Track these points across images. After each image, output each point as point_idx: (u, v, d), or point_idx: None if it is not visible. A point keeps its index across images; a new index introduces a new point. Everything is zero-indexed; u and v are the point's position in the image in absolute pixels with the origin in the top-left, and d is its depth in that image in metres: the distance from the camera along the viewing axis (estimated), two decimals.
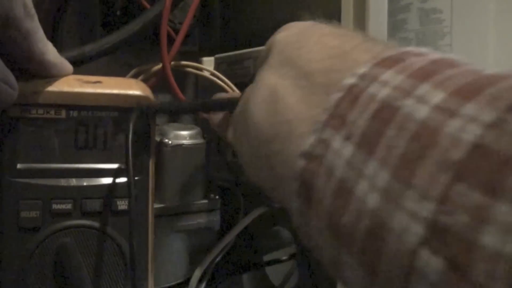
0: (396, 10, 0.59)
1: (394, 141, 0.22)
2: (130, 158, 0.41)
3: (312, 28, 0.33)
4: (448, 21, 0.51)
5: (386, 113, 0.23)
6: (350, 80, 0.26)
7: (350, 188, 0.23)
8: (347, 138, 0.24)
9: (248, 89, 0.35)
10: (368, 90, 0.24)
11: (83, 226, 0.41)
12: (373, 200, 0.22)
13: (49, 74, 0.40)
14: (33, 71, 0.39)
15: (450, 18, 0.51)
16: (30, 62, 0.38)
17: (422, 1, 0.53)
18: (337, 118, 0.25)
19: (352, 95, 0.25)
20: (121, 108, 0.42)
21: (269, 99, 0.31)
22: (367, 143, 0.23)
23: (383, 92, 0.24)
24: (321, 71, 0.28)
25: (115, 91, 0.42)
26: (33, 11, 0.36)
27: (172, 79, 0.64)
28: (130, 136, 0.41)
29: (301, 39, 0.32)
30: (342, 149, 0.24)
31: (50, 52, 0.39)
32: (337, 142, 0.24)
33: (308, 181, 0.26)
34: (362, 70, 0.26)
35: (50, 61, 0.40)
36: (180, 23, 0.69)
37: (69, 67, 0.41)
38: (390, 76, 0.24)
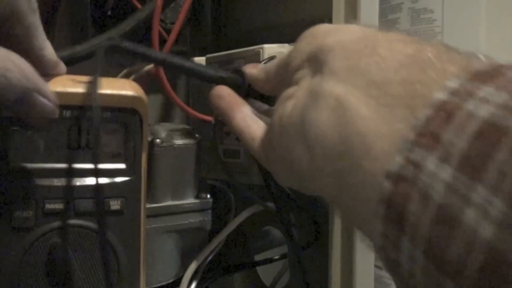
0: (387, 10, 0.59)
1: (507, 167, 0.20)
2: (97, 97, 0.39)
3: (375, 33, 0.31)
4: (439, 21, 0.52)
5: (492, 133, 0.21)
6: (440, 95, 0.24)
7: (455, 216, 0.21)
8: (444, 159, 0.22)
9: (294, 98, 0.33)
10: (465, 107, 0.22)
11: (76, 226, 0.41)
12: (487, 232, 0.20)
13: (45, 72, 0.39)
14: None
15: (441, 17, 0.51)
16: (28, 57, 0.37)
17: (413, 1, 0.54)
18: (428, 137, 0.23)
19: (445, 112, 0.23)
20: (114, 108, 0.42)
21: (336, 110, 0.28)
22: (471, 166, 0.21)
23: (485, 111, 0.22)
24: (399, 82, 0.26)
25: (108, 92, 0.42)
26: (35, 5, 0.36)
27: (165, 79, 0.64)
28: (97, 79, 0.39)
29: (368, 45, 0.29)
30: (439, 172, 0.22)
31: (48, 48, 0.39)
32: (432, 163, 0.23)
33: (399, 206, 0.24)
34: (453, 84, 0.24)
35: (47, 57, 0.39)
36: (172, 23, 0.69)
37: (63, 67, 0.41)
38: (490, 92, 0.22)
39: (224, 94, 0.43)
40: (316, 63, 0.32)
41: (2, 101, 0.34)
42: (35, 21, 0.36)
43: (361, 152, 0.26)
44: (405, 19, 0.55)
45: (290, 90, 0.34)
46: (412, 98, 0.25)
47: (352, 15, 0.54)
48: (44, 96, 0.35)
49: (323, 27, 0.34)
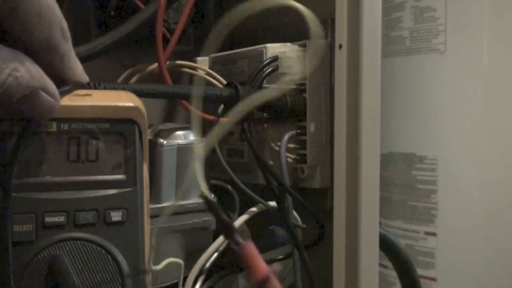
0: (390, 8, 0.59)
1: None
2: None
3: None
4: (442, 19, 0.51)
5: None
6: None
7: None
8: None
9: None
10: None
11: (77, 238, 0.41)
12: None
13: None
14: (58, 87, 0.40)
15: (444, 16, 0.51)
16: (59, 78, 0.39)
17: None
18: None
19: None
20: (112, 120, 0.42)
21: None
22: None
23: None
24: None
25: (105, 103, 0.42)
26: (68, 34, 0.38)
27: (168, 79, 0.64)
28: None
29: None
30: None
31: (78, 68, 0.41)
32: None
33: None
34: None
35: (78, 78, 0.41)
36: (175, 23, 0.69)
37: (87, 79, 0.43)
38: None
39: None
40: None
41: (10, 98, 0.36)
42: (68, 49, 0.39)
43: None
44: (408, 17, 0.55)
45: None
46: None
47: (355, 13, 0.54)
48: (48, 93, 0.37)
49: None
